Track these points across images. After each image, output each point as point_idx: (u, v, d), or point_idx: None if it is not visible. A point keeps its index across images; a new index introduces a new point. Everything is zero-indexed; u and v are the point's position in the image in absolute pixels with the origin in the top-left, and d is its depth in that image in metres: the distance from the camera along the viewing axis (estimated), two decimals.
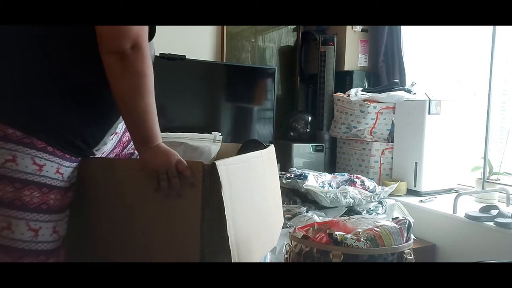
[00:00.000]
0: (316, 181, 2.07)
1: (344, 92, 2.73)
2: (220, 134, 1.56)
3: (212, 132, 1.56)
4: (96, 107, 0.93)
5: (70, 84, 0.89)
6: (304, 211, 1.95)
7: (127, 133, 1.05)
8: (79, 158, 0.92)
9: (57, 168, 0.87)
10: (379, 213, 2.02)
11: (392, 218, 1.61)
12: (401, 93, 2.51)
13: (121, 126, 1.02)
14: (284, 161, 2.68)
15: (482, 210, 1.97)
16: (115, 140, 1.03)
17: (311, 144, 2.79)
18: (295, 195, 2.11)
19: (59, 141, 0.87)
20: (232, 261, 0.88)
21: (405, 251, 1.34)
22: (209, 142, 1.51)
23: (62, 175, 0.88)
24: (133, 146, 1.05)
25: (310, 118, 2.94)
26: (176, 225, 0.89)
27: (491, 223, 1.85)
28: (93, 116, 0.93)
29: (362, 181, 2.12)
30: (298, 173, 2.18)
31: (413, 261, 1.35)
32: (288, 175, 2.18)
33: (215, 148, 1.51)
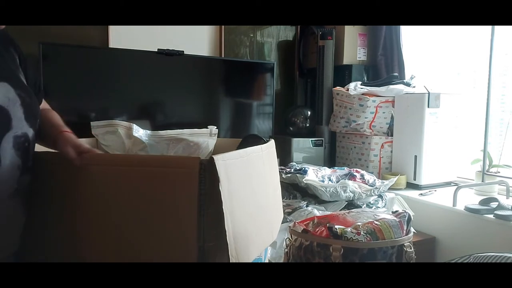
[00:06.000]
0: (316, 176, 2.07)
1: (343, 86, 2.72)
2: (216, 127, 1.56)
3: (208, 126, 1.56)
4: None
5: None
6: (304, 205, 1.95)
7: None
8: None
9: None
10: (379, 207, 2.01)
11: (392, 212, 1.61)
12: (400, 87, 2.50)
13: None
14: (284, 156, 2.68)
15: (482, 202, 1.97)
16: None
17: (310, 139, 2.79)
18: (295, 190, 2.11)
19: None
20: (229, 256, 0.87)
21: (405, 244, 1.34)
22: (206, 137, 1.52)
23: None
24: None
25: (309, 112, 2.93)
26: (172, 220, 0.89)
27: (491, 216, 1.85)
28: None
29: (362, 175, 2.11)
30: (298, 168, 2.18)
31: (413, 254, 1.35)
32: (288, 169, 2.18)
33: (212, 142, 1.52)
